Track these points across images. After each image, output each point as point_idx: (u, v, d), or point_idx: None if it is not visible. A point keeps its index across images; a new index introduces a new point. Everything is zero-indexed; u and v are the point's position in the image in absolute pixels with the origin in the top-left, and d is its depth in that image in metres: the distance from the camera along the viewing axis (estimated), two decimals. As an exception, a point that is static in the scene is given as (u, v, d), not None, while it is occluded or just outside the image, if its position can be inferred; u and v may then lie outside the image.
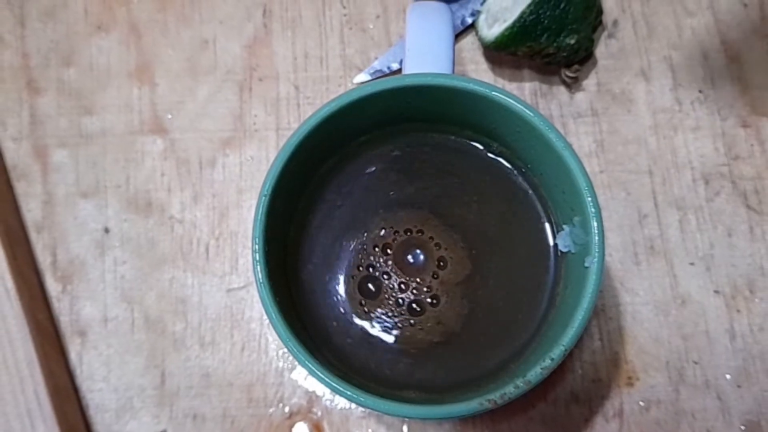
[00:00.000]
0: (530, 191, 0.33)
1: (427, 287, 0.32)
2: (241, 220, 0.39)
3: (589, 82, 0.40)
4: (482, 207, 0.33)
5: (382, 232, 0.33)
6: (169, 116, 0.40)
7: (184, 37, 0.41)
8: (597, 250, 0.29)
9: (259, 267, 0.29)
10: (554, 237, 0.32)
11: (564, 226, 0.31)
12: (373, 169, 0.34)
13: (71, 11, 0.42)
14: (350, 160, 0.34)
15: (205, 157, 0.40)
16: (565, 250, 0.31)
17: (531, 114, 0.30)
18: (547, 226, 0.33)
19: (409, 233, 0.33)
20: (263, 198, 0.29)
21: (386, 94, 0.31)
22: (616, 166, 0.39)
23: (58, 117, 0.40)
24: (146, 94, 0.41)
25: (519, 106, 0.30)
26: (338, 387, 0.28)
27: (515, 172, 0.33)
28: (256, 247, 0.29)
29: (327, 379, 0.28)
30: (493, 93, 0.30)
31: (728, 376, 0.36)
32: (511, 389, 0.28)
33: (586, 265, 0.29)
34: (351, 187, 0.33)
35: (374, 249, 0.33)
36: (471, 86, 0.30)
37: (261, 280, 0.29)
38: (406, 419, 0.36)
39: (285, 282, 0.32)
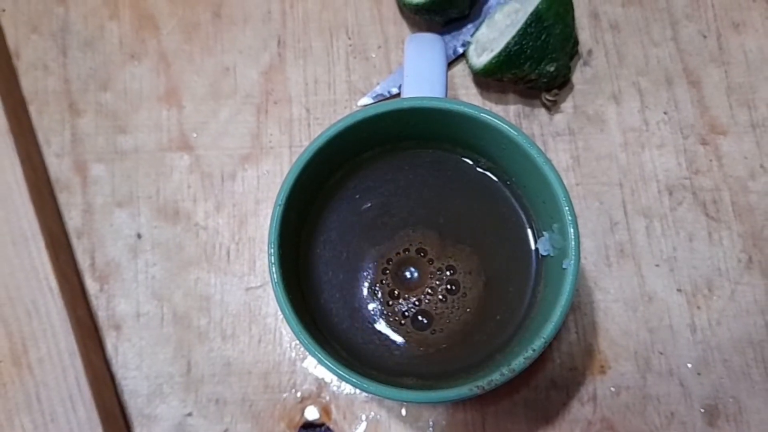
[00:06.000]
0: (514, 201, 0.33)
1: (426, 289, 0.32)
2: (258, 226, 0.39)
3: (567, 105, 0.40)
4: (472, 216, 0.33)
5: (385, 238, 0.33)
6: (195, 135, 0.41)
7: (207, 65, 0.42)
8: (573, 253, 0.29)
9: (274, 268, 0.29)
10: (535, 242, 0.32)
11: (544, 233, 0.32)
12: (375, 181, 0.34)
13: (107, 42, 0.42)
14: (355, 174, 0.34)
15: (227, 171, 0.40)
16: (545, 253, 0.32)
17: (515, 133, 0.30)
18: (529, 232, 0.33)
19: (408, 239, 0.33)
20: (278, 207, 0.30)
21: (387, 116, 0.31)
22: (590, 179, 0.39)
23: (96, 136, 0.41)
24: (174, 115, 0.41)
25: (504, 126, 0.30)
26: (344, 375, 0.28)
27: (501, 184, 0.33)
28: (272, 250, 0.29)
29: (334, 368, 0.28)
30: (482, 114, 0.30)
31: (689, 365, 0.37)
32: (497, 376, 0.28)
33: (564, 266, 0.29)
34: (355, 197, 0.34)
35: (377, 254, 0.33)
36: (462, 108, 0.30)
37: (276, 280, 0.29)
38: (405, 403, 0.36)
39: (297, 281, 0.32)
